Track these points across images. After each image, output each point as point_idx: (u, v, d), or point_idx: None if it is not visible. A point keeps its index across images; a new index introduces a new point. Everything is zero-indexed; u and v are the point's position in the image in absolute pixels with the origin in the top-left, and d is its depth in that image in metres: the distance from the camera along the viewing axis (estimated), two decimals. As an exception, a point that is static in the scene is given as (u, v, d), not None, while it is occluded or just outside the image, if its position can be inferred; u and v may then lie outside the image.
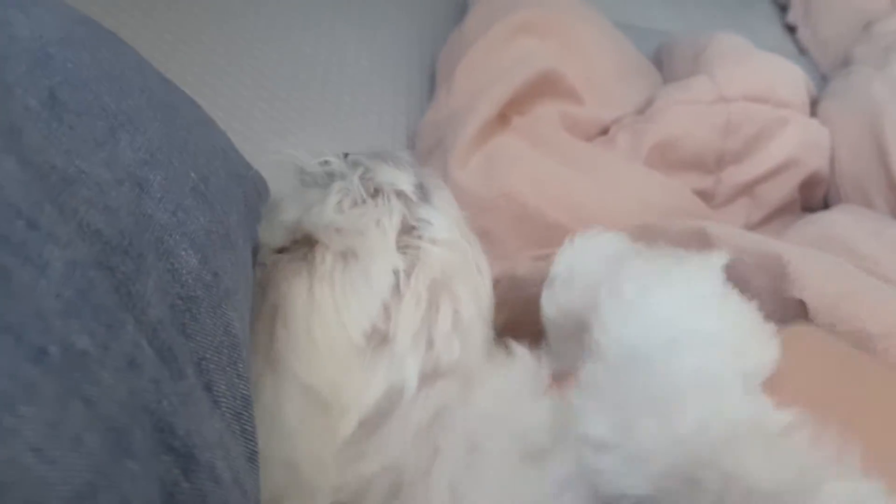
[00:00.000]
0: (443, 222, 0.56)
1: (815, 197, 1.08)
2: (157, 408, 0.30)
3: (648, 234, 0.68)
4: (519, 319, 0.64)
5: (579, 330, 0.56)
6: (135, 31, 0.90)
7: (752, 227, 1.03)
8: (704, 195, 1.02)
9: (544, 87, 1.00)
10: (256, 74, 0.96)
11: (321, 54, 1.04)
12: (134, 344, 0.30)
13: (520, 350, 0.58)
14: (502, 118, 0.96)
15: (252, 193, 0.53)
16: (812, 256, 0.60)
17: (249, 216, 0.51)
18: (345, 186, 0.55)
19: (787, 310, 0.58)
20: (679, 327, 0.44)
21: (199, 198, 0.41)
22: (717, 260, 0.49)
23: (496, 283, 0.79)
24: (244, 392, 0.39)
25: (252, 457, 0.38)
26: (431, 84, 1.07)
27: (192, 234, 0.38)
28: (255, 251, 0.52)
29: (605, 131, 1.06)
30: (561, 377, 0.54)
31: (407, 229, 0.55)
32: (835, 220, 0.92)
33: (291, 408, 0.48)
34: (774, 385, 0.43)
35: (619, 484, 0.40)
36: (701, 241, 0.65)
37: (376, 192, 0.56)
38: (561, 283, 0.59)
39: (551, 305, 0.59)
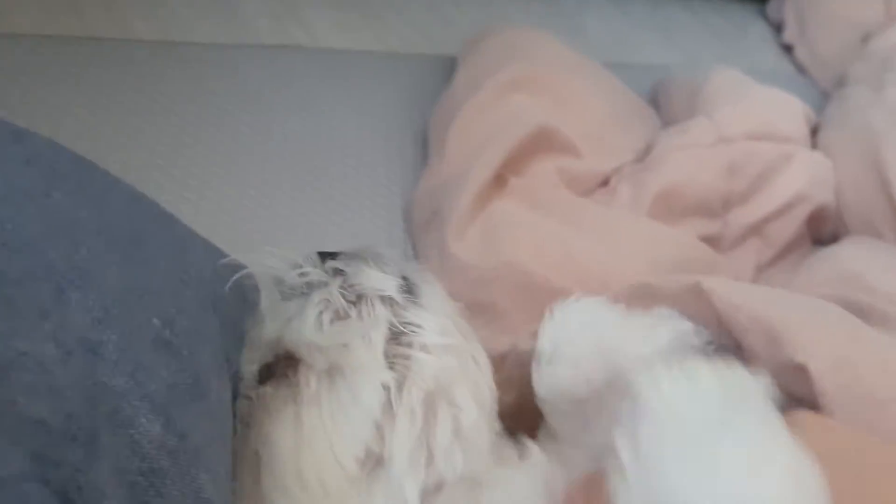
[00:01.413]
0: (433, 324, 0.53)
1: (823, 230, 1.05)
2: None
3: (644, 295, 0.65)
4: (528, 397, 0.61)
5: (574, 408, 0.54)
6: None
7: (764, 266, 1.00)
8: (712, 240, 0.98)
9: (540, 143, 0.97)
10: (243, 153, 0.94)
11: (308, 128, 1.01)
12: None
13: (533, 449, 0.56)
14: (499, 180, 0.93)
15: (234, 309, 0.50)
16: (811, 316, 0.58)
17: (229, 338, 0.49)
18: (324, 298, 0.52)
19: (786, 374, 0.55)
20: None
21: (162, 348, 0.38)
22: (759, 391, 0.42)
23: (503, 360, 0.76)
24: (220, 562, 0.36)
25: None
26: (424, 150, 1.04)
27: (154, 395, 0.36)
28: (238, 375, 0.49)
29: (605, 182, 1.03)
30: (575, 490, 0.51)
31: (395, 336, 0.52)
32: (849, 256, 0.90)
33: None
34: None
35: None
36: (697, 298, 0.62)
37: (359, 299, 0.53)
38: (546, 361, 0.57)
39: (541, 385, 0.57)
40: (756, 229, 1.00)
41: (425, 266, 0.86)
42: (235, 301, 0.51)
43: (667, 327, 0.54)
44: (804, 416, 0.50)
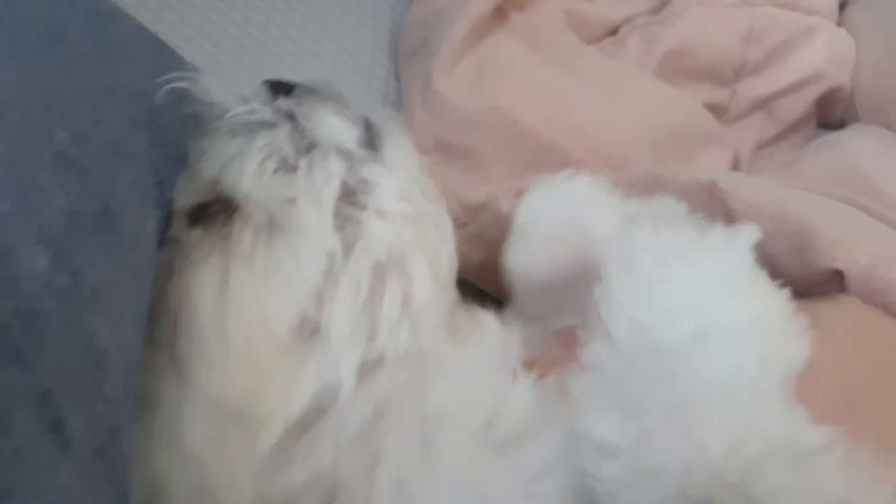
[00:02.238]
0: (392, 185, 0.47)
1: (833, 113, 0.98)
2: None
3: (650, 184, 0.60)
4: (497, 261, 0.56)
5: (546, 287, 0.51)
6: None
7: (765, 143, 0.95)
8: (717, 109, 0.92)
9: (546, -24, 0.89)
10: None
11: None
12: None
13: (488, 320, 0.52)
14: (499, 13, 0.85)
15: (174, 129, 0.44)
16: (842, 219, 0.54)
17: (163, 160, 0.43)
18: (270, 142, 0.45)
19: (813, 279, 0.52)
20: (708, 315, 0.38)
21: (64, 167, 0.32)
22: (746, 236, 0.43)
23: (477, 212, 0.71)
24: (111, 420, 0.31)
25: (121, 500, 0.31)
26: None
27: (45, 224, 0.30)
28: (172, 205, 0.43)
29: (614, 31, 0.95)
30: (538, 359, 0.49)
31: (348, 195, 0.46)
32: (855, 149, 0.83)
33: (197, 426, 0.41)
34: (809, 382, 0.37)
35: (624, 497, 0.35)
36: (711, 197, 0.57)
37: (310, 148, 0.46)
38: (520, 235, 0.53)
39: (510, 258, 0.53)
40: (764, 104, 0.94)
41: (406, 100, 0.80)
42: (177, 119, 0.44)
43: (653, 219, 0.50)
44: (850, 298, 0.50)
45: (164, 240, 0.43)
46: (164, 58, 0.47)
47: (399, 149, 0.49)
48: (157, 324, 0.41)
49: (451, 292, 0.51)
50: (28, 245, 0.29)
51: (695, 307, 0.38)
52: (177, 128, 0.44)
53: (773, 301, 0.40)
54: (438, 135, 0.76)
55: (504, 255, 0.54)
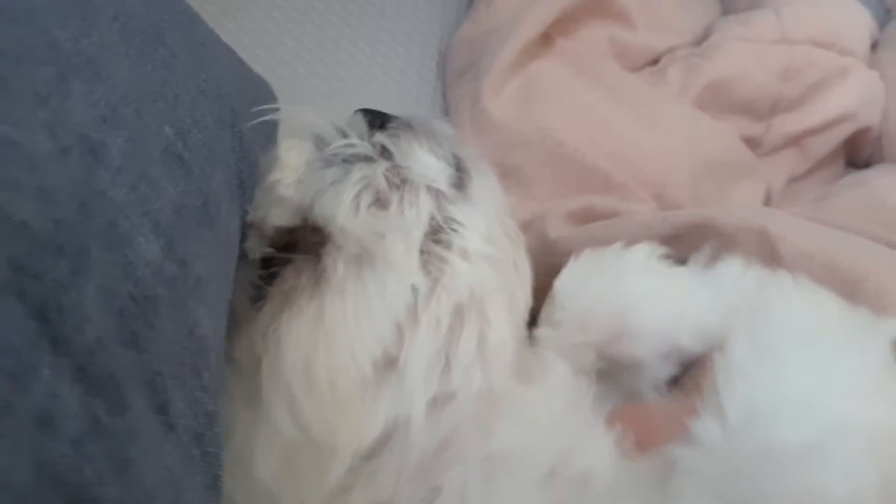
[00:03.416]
0: (479, 227, 0.47)
1: (861, 153, 1.00)
2: (74, 478, 0.23)
3: (700, 227, 0.60)
4: (539, 282, 0.57)
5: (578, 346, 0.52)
6: None
7: (796, 178, 0.97)
8: (751, 142, 0.94)
9: (594, 5, 0.91)
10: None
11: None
12: (49, 394, 0.23)
13: (557, 365, 0.52)
14: (546, 39, 0.87)
15: (252, 134, 0.45)
16: (890, 263, 0.53)
17: (245, 163, 0.44)
18: (367, 176, 0.46)
19: None
20: (832, 419, 0.36)
21: (172, 161, 0.34)
22: (889, 329, 0.41)
23: (523, 230, 0.72)
24: (209, 407, 0.32)
25: (213, 483, 0.32)
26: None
27: (157, 214, 0.31)
28: (247, 209, 0.45)
29: (655, 61, 0.97)
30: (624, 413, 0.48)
31: (435, 232, 0.47)
32: (883, 188, 0.85)
33: (269, 456, 0.42)
34: None
35: None
36: (760, 241, 0.58)
37: (403, 183, 0.47)
38: (560, 307, 0.53)
39: (546, 326, 0.54)
40: (796, 140, 0.95)
41: (454, 118, 0.81)
42: (255, 127, 0.46)
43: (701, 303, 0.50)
44: None
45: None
46: (237, 64, 0.49)
47: (486, 188, 0.50)
48: (234, 349, 0.42)
49: (523, 332, 0.52)
50: (143, 233, 0.30)
51: (820, 406, 0.37)
52: (251, 136, 0.46)
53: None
54: (485, 153, 0.76)
55: (540, 319, 0.55)
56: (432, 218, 0.46)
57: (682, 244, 0.58)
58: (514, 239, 0.51)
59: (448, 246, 0.46)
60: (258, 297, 0.44)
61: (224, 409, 0.40)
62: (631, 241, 0.56)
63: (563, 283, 0.54)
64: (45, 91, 0.29)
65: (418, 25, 0.89)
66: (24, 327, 0.23)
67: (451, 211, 0.47)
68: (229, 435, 0.40)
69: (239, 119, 0.44)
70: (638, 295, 0.51)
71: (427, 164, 0.48)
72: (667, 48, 0.96)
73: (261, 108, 0.44)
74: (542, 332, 0.53)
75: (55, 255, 0.26)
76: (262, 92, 0.49)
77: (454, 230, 0.47)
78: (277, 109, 0.45)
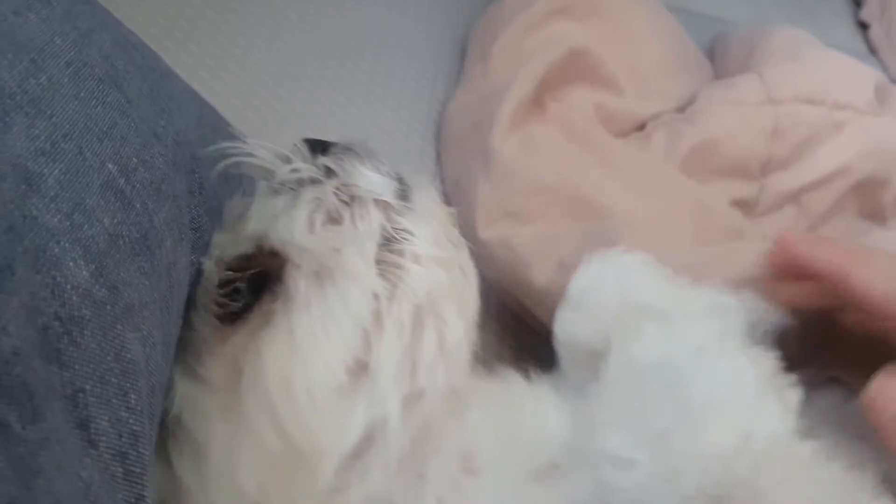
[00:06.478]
0: (427, 233, 0.51)
1: (871, 204, 0.97)
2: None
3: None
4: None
5: (590, 359, 0.52)
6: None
7: (797, 237, 0.95)
8: (746, 203, 0.94)
9: (579, 70, 0.93)
10: (270, 40, 0.90)
11: (343, 17, 0.97)
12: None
13: (506, 370, 0.54)
14: (538, 103, 0.90)
15: (219, 182, 0.47)
16: None
17: (203, 208, 0.46)
18: (317, 197, 0.49)
19: None
20: (706, 337, 0.42)
21: (111, 195, 0.36)
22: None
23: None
24: (135, 428, 0.33)
25: (136, 502, 0.33)
26: (460, 63, 1.00)
27: (88, 241, 0.33)
28: (202, 250, 0.47)
29: (641, 127, 0.98)
30: None
31: (387, 242, 0.49)
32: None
33: (255, 467, 0.43)
34: None
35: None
36: None
37: (352, 200, 0.50)
38: (571, 307, 0.55)
39: (560, 329, 0.55)
40: (793, 197, 0.94)
41: (467, 180, 0.83)
42: (215, 175, 0.48)
43: (705, 300, 0.51)
44: None
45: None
46: (209, 117, 0.51)
47: (428, 199, 0.53)
48: (210, 369, 0.45)
49: (475, 334, 0.54)
50: (72, 258, 0.32)
51: (693, 335, 0.41)
52: (214, 183, 0.48)
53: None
54: (505, 203, 0.78)
55: (555, 326, 0.56)
56: (383, 229, 0.49)
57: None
58: (457, 245, 0.54)
59: (401, 253, 0.49)
60: (226, 317, 0.47)
61: (197, 425, 0.43)
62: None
63: (579, 285, 0.55)
64: (-17, 124, 0.31)
65: (406, 92, 0.92)
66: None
67: (399, 221, 0.50)
68: (205, 451, 0.43)
69: (200, 166, 0.46)
70: (654, 297, 0.53)
71: (372, 179, 0.51)
72: (652, 114, 0.98)
73: (214, 148, 0.46)
74: (558, 332, 0.55)
75: (-25, 269, 0.27)
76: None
77: (404, 238, 0.49)
78: (233, 154, 0.47)
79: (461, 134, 0.90)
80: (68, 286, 0.31)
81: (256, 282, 0.48)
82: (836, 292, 0.45)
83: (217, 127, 0.53)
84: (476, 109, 0.89)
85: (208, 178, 0.47)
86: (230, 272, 0.48)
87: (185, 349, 0.46)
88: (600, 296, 0.54)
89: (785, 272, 0.51)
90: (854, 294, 0.44)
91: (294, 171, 0.50)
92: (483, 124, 0.85)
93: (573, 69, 0.92)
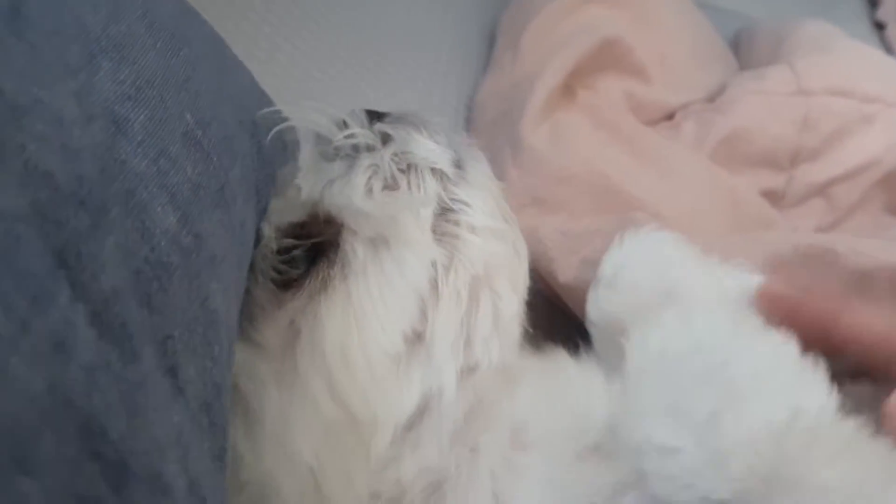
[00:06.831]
0: (483, 205, 0.50)
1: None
2: (84, 404, 0.24)
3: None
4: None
5: (624, 339, 0.51)
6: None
7: (825, 228, 0.95)
8: (774, 194, 0.94)
9: (610, 59, 0.92)
10: (297, 27, 0.89)
11: (372, 10, 0.97)
12: (65, 321, 0.24)
13: (553, 348, 0.53)
14: (568, 90, 0.89)
15: (272, 148, 0.47)
16: None
17: (262, 172, 0.45)
18: (374, 163, 0.48)
19: None
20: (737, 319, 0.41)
21: (191, 145, 0.35)
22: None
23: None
24: (217, 380, 0.33)
25: (220, 454, 0.33)
26: (489, 50, 0.99)
27: (174, 188, 0.32)
28: (263, 213, 0.46)
29: (670, 116, 0.98)
30: None
31: (443, 212, 0.49)
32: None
33: (310, 435, 0.43)
34: None
35: (696, 489, 0.36)
36: None
37: (409, 169, 0.49)
38: (604, 286, 0.54)
39: (594, 308, 0.54)
40: (821, 189, 0.95)
41: (495, 166, 0.82)
42: (273, 139, 0.47)
43: (735, 280, 0.51)
44: None
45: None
46: (256, 86, 0.51)
47: (482, 172, 0.52)
48: (266, 335, 0.44)
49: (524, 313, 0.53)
50: (160, 203, 0.31)
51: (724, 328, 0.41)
52: (270, 147, 0.47)
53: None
54: (533, 190, 0.78)
55: (587, 306, 0.55)
56: (439, 198, 0.48)
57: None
58: (510, 221, 0.53)
59: (457, 223, 0.48)
60: (284, 283, 0.46)
61: (252, 391, 0.42)
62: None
63: (612, 263, 0.54)
64: (74, 64, 0.30)
65: (436, 79, 0.92)
66: (44, 260, 0.24)
67: (455, 192, 0.49)
68: (260, 417, 0.42)
69: (258, 130, 0.46)
70: (686, 274, 0.52)
71: (428, 147, 0.50)
72: (681, 104, 0.98)
73: (268, 110, 0.45)
74: (590, 311, 0.54)
75: (76, 206, 0.27)
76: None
77: (460, 208, 0.49)
78: (288, 118, 0.47)
79: (490, 120, 0.90)
80: (157, 231, 0.31)
81: (313, 248, 0.47)
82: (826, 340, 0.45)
83: (265, 99, 0.52)
84: (506, 96, 0.89)
85: (265, 143, 0.47)
86: (289, 239, 0.47)
87: (240, 314, 0.45)
88: (633, 274, 0.53)
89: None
90: (844, 340, 0.43)
91: (350, 136, 0.49)
92: (513, 112, 0.85)
93: (604, 57, 0.92)
